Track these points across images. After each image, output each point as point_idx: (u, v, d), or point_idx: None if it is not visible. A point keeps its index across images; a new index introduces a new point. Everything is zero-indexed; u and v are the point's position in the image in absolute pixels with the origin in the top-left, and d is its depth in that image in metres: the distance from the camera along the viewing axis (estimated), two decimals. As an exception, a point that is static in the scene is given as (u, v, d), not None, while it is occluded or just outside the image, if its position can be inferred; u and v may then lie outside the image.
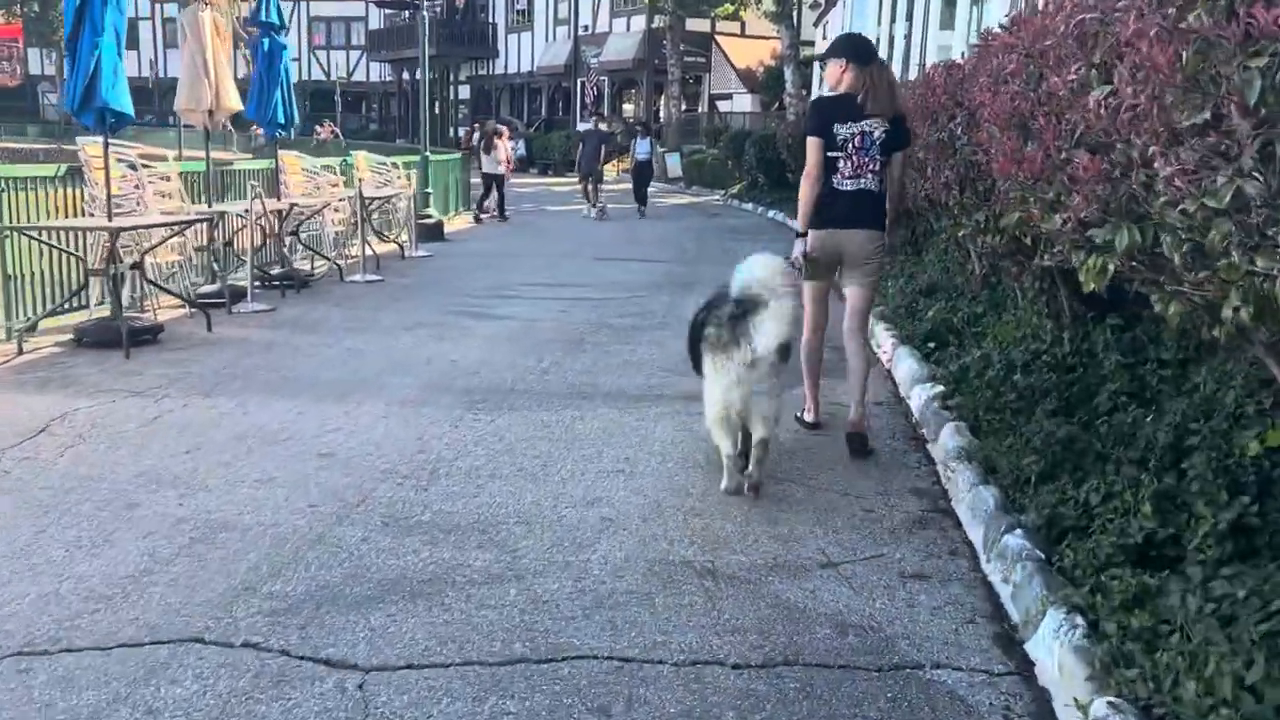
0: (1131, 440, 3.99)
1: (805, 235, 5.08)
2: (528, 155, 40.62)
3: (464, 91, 50.54)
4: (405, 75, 53.21)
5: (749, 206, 21.76)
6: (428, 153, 15.43)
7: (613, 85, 41.02)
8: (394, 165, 13.73)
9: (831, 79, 5.12)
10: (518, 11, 46.71)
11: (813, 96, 22.36)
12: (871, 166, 4.98)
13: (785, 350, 4.35)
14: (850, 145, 4.96)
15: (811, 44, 32.66)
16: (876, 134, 4.96)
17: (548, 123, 43.20)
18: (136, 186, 8.33)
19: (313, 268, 11.15)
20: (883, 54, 22.43)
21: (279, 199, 10.62)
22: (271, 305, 9.08)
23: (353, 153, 13.28)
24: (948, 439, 4.77)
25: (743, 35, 38.95)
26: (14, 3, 58.53)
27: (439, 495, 4.39)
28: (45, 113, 64.01)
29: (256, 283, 9.44)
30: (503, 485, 4.53)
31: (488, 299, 9.82)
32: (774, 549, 3.89)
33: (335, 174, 11.78)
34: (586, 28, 41.90)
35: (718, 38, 39.07)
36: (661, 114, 36.80)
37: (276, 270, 10.25)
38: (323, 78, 58.71)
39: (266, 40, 10.03)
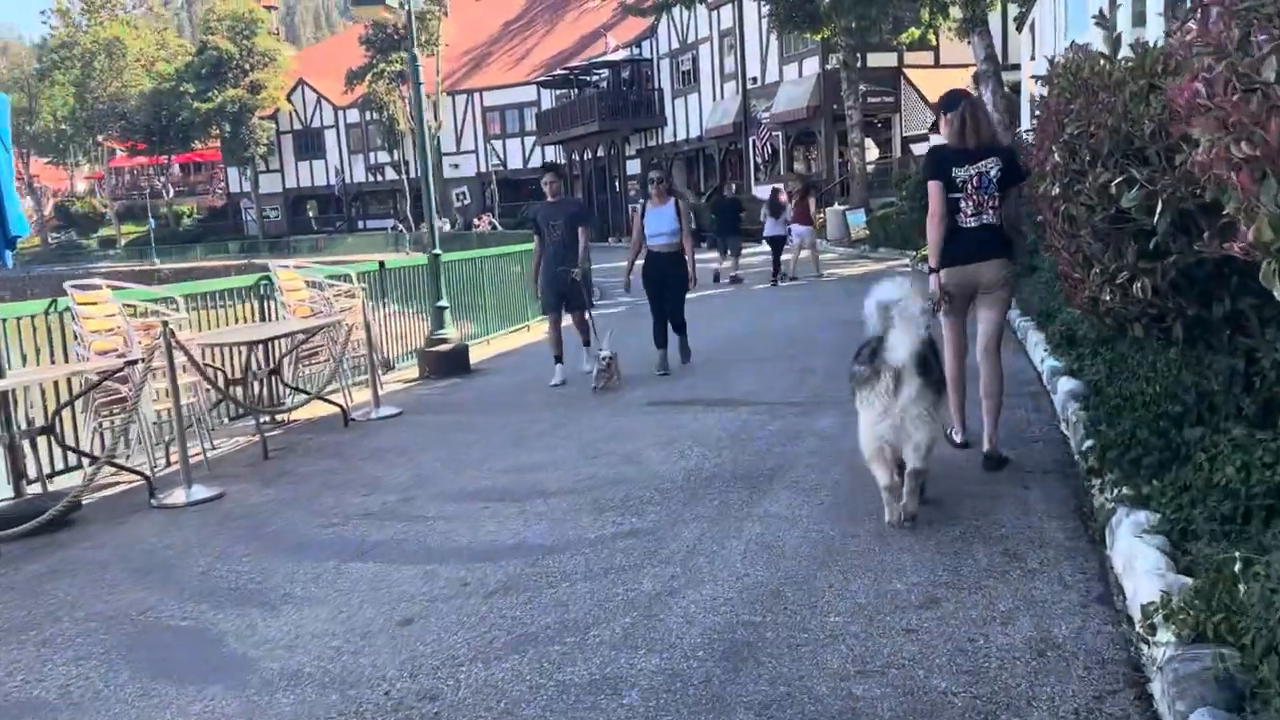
0: None
1: (938, 272, 5.32)
2: (696, 228, 35.85)
3: (633, 167, 46.49)
4: (575, 156, 49.87)
5: (942, 276, 15.83)
6: (438, 250, 10.65)
7: (787, 140, 35.77)
8: (344, 279, 9.01)
9: (944, 133, 5.42)
10: (682, 72, 42.40)
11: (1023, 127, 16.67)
12: (991, 203, 5.24)
13: (926, 367, 4.40)
14: (969, 186, 5.25)
15: (1017, 67, 26.34)
16: (993, 173, 5.22)
17: (720, 190, 38.23)
18: None
19: (127, 471, 6.47)
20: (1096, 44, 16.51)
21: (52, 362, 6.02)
22: None
23: (272, 265, 8.62)
24: None
25: (936, 65, 32.91)
26: (210, 125, 59.57)
27: None
28: (247, 228, 65.01)
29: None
30: None
31: (332, 560, 4.72)
32: None
33: (175, 308, 7.08)
34: (755, 80, 37.00)
35: (906, 71, 33.24)
36: (854, 165, 31.10)
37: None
38: (501, 166, 56.52)
39: (-54, 93, 5.48)
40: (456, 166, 58.30)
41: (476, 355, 11.65)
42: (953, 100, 5.45)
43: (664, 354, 9.24)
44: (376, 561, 4.66)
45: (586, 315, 9.41)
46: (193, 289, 7.80)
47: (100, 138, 62.45)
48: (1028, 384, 7.43)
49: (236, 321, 8.38)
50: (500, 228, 42.61)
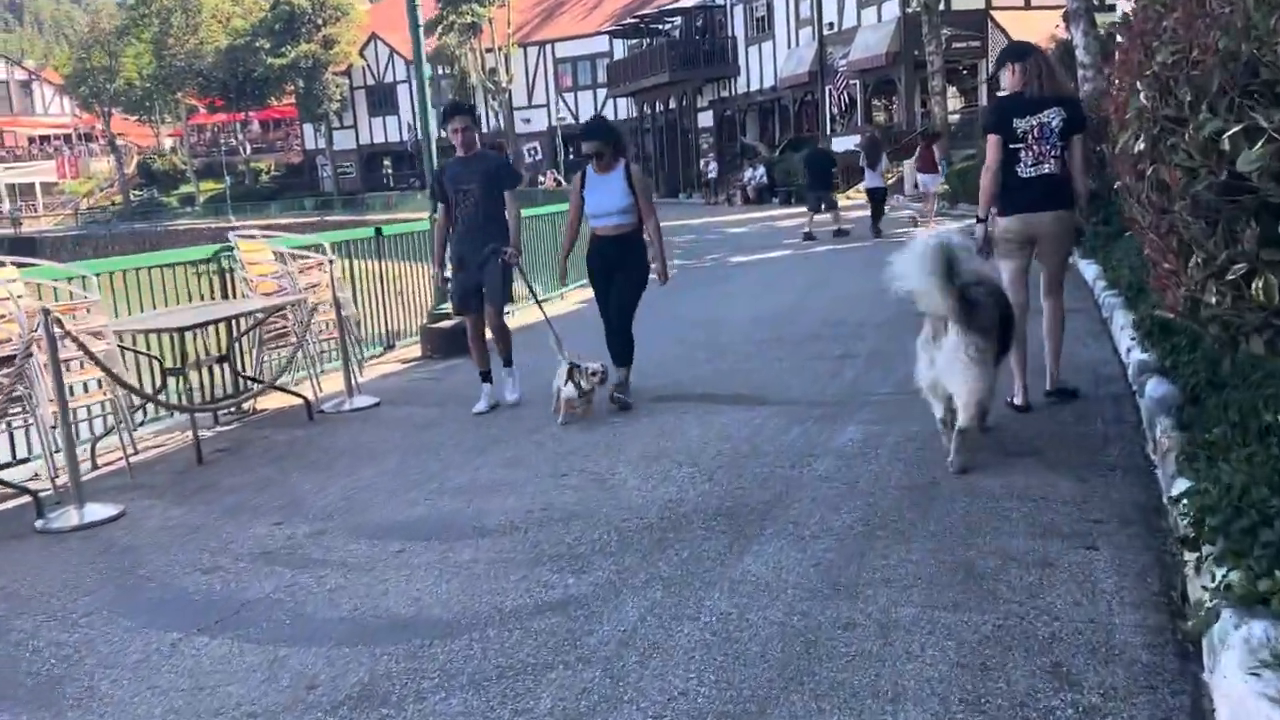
0: None
1: (984, 221, 5.42)
2: (769, 183, 34.30)
3: (705, 119, 44.81)
4: (647, 109, 48.32)
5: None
6: (437, 214, 9.55)
7: (865, 89, 33.84)
8: (315, 250, 7.97)
9: (1008, 84, 5.43)
10: (757, 19, 40.50)
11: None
12: (1052, 153, 5.25)
13: (975, 313, 4.47)
14: (1030, 136, 5.24)
15: (1113, 8, 24.07)
16: (1054, 123, 5.23)
17: (795, 142, 36.41)
18: None
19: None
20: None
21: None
22: None
23: (233, 235, 7.60)
24: None
25: (1027, 7, 30.73)
26: (284, 81, 59.28)
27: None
28: (323, 185, 64.81)
29: None
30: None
31: (177, 632, 3.69)
32: None
33: (77, 294, 6.09)
34: (831, 25, 35.04)
35: (994, 14, 31.05)
36: (936, 114, 29.15)
37: None
38: (572, 121, 55.15)
39: None
40: (528, 121, 57.19)
41: (493, 329, 10.59)
42: (1021, 51, 5.48)
43: (626, 373, 6.59)
44: (228, 637, 3.61)
45: (543, 316, 6.83)
46: (120, 265, 6.84)
47: (179, 95, 62.66)
48: (1109, 381, 6.06)
49: (193, 300, 7.40)
50: (566, 185, 41.51)
